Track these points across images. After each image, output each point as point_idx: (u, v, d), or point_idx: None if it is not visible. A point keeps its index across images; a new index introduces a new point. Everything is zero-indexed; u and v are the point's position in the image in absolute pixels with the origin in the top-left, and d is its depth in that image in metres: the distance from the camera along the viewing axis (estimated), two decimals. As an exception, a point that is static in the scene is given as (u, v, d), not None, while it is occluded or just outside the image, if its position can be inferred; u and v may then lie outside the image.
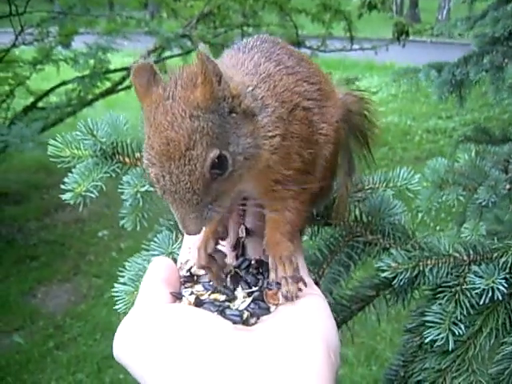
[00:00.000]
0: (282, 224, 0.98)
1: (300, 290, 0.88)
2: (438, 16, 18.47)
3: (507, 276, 1.27)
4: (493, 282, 1.25)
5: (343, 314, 1.38)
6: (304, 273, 0.95)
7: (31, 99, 7.24)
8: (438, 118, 10.34)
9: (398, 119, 10.39)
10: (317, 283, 1.25)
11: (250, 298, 0.91)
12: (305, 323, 0.80)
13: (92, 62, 6.54)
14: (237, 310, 0.89)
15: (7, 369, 4.57)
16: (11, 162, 7.68)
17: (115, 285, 1.21)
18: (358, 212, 1.40)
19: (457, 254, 1.30)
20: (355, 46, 8.44)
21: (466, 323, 1.26)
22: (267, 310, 0.89)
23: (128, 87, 7.44)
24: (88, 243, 6.54)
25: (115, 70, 7.28)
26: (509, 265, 1.27)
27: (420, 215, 6.38)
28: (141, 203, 1.28)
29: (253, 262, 1.01)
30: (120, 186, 1.32)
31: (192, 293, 0.96)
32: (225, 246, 1.04)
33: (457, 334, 1.23)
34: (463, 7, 5.30)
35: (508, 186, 2.25)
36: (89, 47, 6.46)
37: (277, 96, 0.94)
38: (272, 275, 0.93)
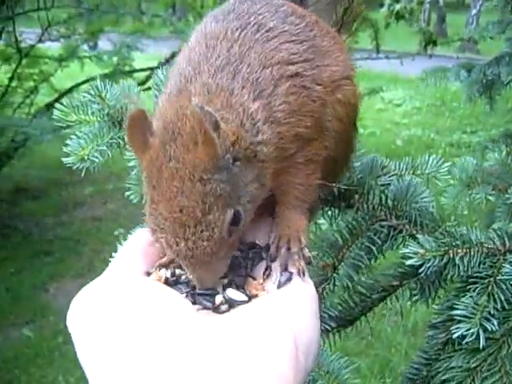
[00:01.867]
0: (289, 199, 0.93)
1: (290, 279, 0.81)
2: (465, 31, 18.26)
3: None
4: (531, 274, 1.12)
5: (362, 304, 1.26)
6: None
7: (55, 96, 7.25)
8: (463, 133, 10.15)
9: (422, 132, 10.22)
10: (334, 266, 1.15)
11: (230, 284, 0.82)
12: (276, 318, 0.71)
13: (115, 59, 6.54)
14: (210, 295, 0.80)
15: (15, 361, 4.52)
16: (32, 158, 7.71)
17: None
18: (383, 196, 1.30)
19: (490, 243, 1.18)
20: (380, 56, 8.32)
21: (500, 319, 1.14)
22: (246, 299, 0.79)
23: (150, 88, 7.43)
24: (103, 241, 6.49)
25: (139, 70, 7.27)
26: (549, 257, 1.15)
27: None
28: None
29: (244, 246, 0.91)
30: (127, 153, 1.23)
31: (171, 269, 0.86)
32: None
33: (489, 329, 1.11)
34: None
35: (542, 187, 2.11)
36: (114, 44, 6.46)
37: (253, 88, 0.84)
38: (271, 256, 0.87)
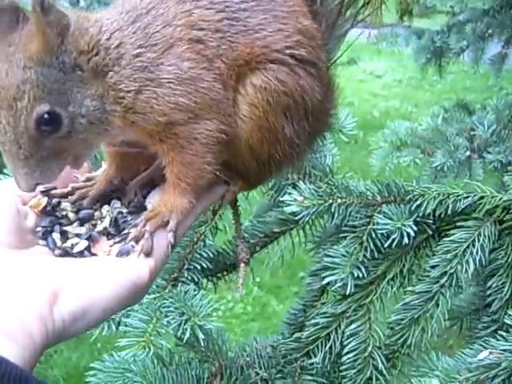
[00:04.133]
0: (173, 177, 0.88)
1: (128, 253, 0.80)
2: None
3: (418, 220, 1.17)
4: (402, 224, 1.15)
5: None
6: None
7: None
8: (440, 107, 10.16)
9: (400, 104, 10.19)
10: (214, 211, 1.16)
11: (87, 236, 0.83)
12: (49, 274, 0.71)
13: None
14: (65, 237, 0.83)
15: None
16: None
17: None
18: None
19: (369, 194, 1.20)
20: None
21: (369, 267, 1.17)
22: (86, 254, 0.81)
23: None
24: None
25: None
26: (422, 209, 1.17)
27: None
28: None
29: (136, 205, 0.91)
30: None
31: (57, 200, 0.88)
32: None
33: (357, 276, 1.14)
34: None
35: (468, 153, 2.14)
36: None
37: (145, 39, 0.83)
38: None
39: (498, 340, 1.03)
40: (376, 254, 1.16)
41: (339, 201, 1.19)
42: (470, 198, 1.16)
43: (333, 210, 1.18)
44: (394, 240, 1.14)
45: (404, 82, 11.80)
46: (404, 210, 1.17)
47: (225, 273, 1.30)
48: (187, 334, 1.05)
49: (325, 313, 1.18)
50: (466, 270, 1.11)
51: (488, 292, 1.18)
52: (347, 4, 1.05)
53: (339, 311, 1.16)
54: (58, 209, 0.88)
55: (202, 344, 1.11)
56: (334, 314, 1.17)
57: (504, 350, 0.98)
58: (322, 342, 1.17)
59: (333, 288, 1.16)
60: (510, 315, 1.06)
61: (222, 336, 1.17)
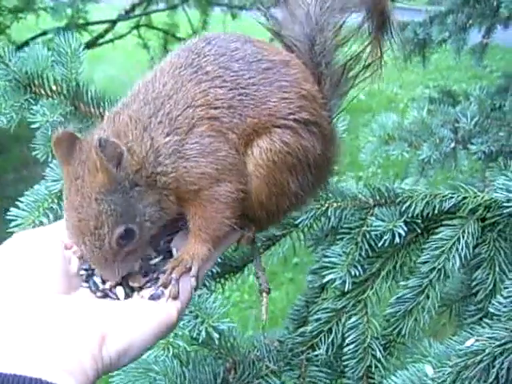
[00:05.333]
0: (195, 228, 1.00)
1: (159, 297, 0.91)
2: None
3: (408, 220, 1.28)
4: (394, 225, 1.26)
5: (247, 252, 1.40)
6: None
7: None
8: (425, 87, 10.24)
9: (385, 86, 10.25)
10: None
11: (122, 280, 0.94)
12: (97, 317, 0.82)
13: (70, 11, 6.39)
14: (104, 280, 0.94)
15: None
16: (-9, 113, 7.59)
17: (11, 208, 1.23)
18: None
19: (362, 197, 1.31)
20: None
21: (365, 265, 1.28)
22: (122, 297, 0.92)
23: (111, 40, 7.34)
24: (64, 197, 6.50)
25: (94, 23, 7.14)
26: (411, 210, 1.28)
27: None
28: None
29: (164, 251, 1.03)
30: (30, 116, 1.33)
31: None
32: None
33: (354, 274, 1.25)
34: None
35: (453, 145, 2.25)
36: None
37: (170, 124, 0.95)
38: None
39: (483, 327, 1.14)
40: (370, 253, 1.28)
41: (335, 205, 1.30)
42: (454, 199, 1.27)
43: (329, 213, 1.29)
44: (386, 240, 1.26)
45: (389, 63, 11.93)
46: (394, 211, 1.28)
47: (231, 274, 1.41)
48: (202, 335, 1.17)
49: (326, 308, 1.30)
50: (453, 265, 1.22)
51: (474, 283, 1.30)
52: (350, 66, 1.15)
53: (339, 306, 1.28)
54: None
55: (216, 343, 1.23)
56: (334, 310, 1.29)
57: (489, 338, 1.10)
58: (324, 336, 1.29)
59: (332, 285, 1.28)
60: (493, 304, 1.17)
61: (234, 333, 1.29)
